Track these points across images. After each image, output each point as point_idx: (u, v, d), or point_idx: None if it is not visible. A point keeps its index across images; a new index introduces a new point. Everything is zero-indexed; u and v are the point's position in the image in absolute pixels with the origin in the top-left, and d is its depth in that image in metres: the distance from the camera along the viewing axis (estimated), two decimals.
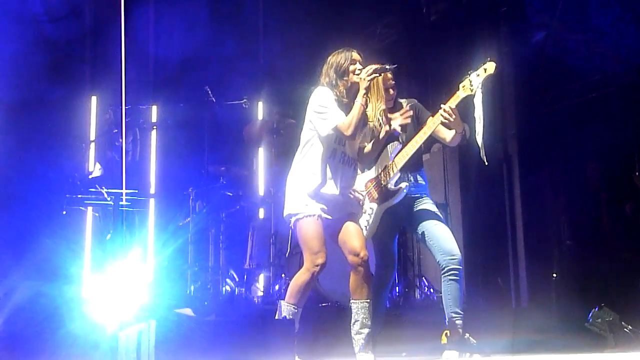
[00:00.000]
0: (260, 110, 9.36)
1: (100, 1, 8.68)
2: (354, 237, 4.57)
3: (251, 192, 8.74)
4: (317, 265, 4.46)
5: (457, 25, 8.95)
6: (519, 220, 8.34)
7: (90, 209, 7.88)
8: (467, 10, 8.86)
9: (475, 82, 4.62)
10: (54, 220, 7.50)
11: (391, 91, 4.98)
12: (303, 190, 4.56)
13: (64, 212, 7.46)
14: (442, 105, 4.69)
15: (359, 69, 4.63)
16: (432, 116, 4.84)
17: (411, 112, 4.79)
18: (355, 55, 4.70)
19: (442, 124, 4.74)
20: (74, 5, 8.69)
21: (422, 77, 9.02)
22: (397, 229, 5.03)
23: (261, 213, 8.51)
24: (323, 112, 4.55)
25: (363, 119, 4.56)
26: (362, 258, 4.50)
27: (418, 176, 4.93)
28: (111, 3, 8.50)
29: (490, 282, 8.35)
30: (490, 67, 4.62)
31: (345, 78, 4.62)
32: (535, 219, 8.29)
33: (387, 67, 4.64)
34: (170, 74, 8.94)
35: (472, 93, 4.62)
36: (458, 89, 4.70)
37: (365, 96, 4.52)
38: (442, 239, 4.76)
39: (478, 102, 4.61)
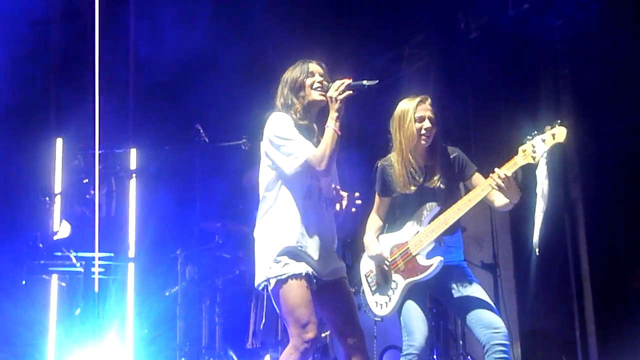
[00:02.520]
0: None
1: (69, 21, 8.72)
2: (349, 312, 4.50)
3: (253, 253, 8.62)
4: (306, 342, 4.28)
5: (502, 43, 8.89)
6: (586, 283, 8.19)
7: (55, 277, 7.83)
8: (514, 25, 8.79)
9: (539, 149, 4.52)
10: (12, 293, 7.46)
11: (423, 137, 4.84)
12: (279, 245, 4.39)
13: (24, 282, 7.41)
14: (495, 170, 4.57)
15: (318, 82, 4.53)
16: (478, 172, 4.84)
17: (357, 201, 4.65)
18: (313, 66, 4.60)
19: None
20: (38, 29, 8.74)
21: (461, 110, 8.93)
22: (427, 296, 4.94)
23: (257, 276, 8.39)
24: (285, 144, 4.41)
25: (338, 146, 4.41)
26: (360, 338, 4.47)
27: (453, 240, 4.85)
28: (81, 22, 8.63)
29: None
30: (561, 133, 4.51)
31: (301, 94, 4.53)
32: (607, 279, 8.15)
33: (365, 83, 4.45)
34: (153, 111, 8.92)
35: (535, 162, 4.52)
36: (516, 153, 4.59)
37: (338, 119, 4.38)
38: (480, 309, 4.69)
39: (541, 174, 4.52)
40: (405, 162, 4.85)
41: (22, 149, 8.28)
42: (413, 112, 4.85)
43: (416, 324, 4.74)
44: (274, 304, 4.42)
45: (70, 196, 8.22)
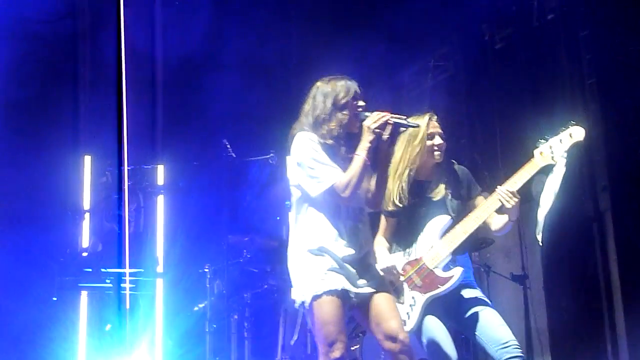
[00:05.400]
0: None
1: (94, 33, 8.80)
2: (388, 314, 4.42)
3: (281, 267, 8.67)
4: None
5: (528, 54, 8.90)
6: (617, 294, 8.12)
7: (85, 293, 7.86)
8: (539, 35, 8.82)
9: (557, 150, 4.59)
10: (43, 309, 7.51)
11: (436, 153, 4.92)
12: (314, 262, 4.39)
13: (54, 299, 7.46)
14: (498, 188, 4.65)
15: (360, 106, 4.53)
16: (482, 194, 4.90)
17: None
18: (355, 87, 4.58)
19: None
20: (63, 46, 8.82)
21: (488, 122, 8.95)
22: (445, 315, 4.92)
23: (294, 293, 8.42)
24: (312, 167, 4.42)
25: (364, 175, 4.43)
26: (403, 342, 4.36)
27: (463, 259, 4.88)
28: (107, 35, 8.70)
29: None
30: (578, 133, 4.59)
31: (344, 112, 4.49)
32: (638, 290, 8.07)
33: (406, 122, 4.47)
34: (180, 126, 8.97)
35: (554, 162, 4.58)
36: (532, 156, 4.64)
37: (369, 150, 4.39)
38: (489, 326, 4.69)
39: (558, 175, 4.57)
40: (406, 176, 4.87)
41: (51, 166, 8.32)
42: (425, 129, 4.90)
43: (445, 347, 4.71)
44: (308, 319, 4.42)
45: (99, 213, 8.28)
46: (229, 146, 7.78)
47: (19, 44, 8.24)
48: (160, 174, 8.68)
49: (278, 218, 8.59)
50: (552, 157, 4.59)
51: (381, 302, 4.44)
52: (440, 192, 4.86)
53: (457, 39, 9.62)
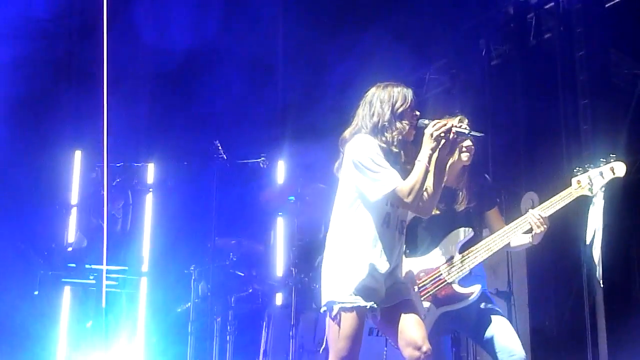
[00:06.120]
0: (281, 170, 9.37)
1: (84, 28, 8.80)
2: (413, 326, 4.32)
3: (267, 272, 8.67)
4: None
5: (523, 71, 8.94)
6: (600, 315, 8.14)
7: (68, 288, 7.83)
8: (535, 54, 8.86)
9: (597, 182, 4.55)
10: (24, 303, 7.47)
11: (465, 154, 4.85)
12: (351, 274, 4.28)
13: (36, 293, 7.42)
14: (530, 211, 4.60)
15: (417, 114, 4.38)
16: (496, 209, 4.83)
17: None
18: (413, 96, 4.43)
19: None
20: (57, 41, 8.83)
21: (481, 137, 8.96)
22: (450, 329, 4.90)
23: (279, 298, 8.43)
24: (374, 170, 4.26)
25: (425, 182, 4.28)
26: (425, 353, 4.26)
27: (479, 269, 4.82)
28: (97, 29, 8.69)
29: None
30: (620, 168, 4.55)
31: (405, 122, 4.34)
32: (621, 311, 8.09)
33: (469, 132, 4.32)
34: (172, 125, 8.97)
35: (591, 194, 4.54)
36: (570, 184, 4.59)
37: (431, 157, 4.26)
38: (499, 334, 4.65)
39: (598, 209, 4.55)
40: None
41: (41, 160, 8.32)
42: None
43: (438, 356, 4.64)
44: (327, 326, 4.34)
45: (87, 208, 8.27)
46: (220, 147, 7.76)
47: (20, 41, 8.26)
48: (151, 172, 8.67)
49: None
50: (590, 189, 4.54)
51: (407, 311, 4.37)
52: (464, 202, 4.80)
53: (454, 53, 9.65)
